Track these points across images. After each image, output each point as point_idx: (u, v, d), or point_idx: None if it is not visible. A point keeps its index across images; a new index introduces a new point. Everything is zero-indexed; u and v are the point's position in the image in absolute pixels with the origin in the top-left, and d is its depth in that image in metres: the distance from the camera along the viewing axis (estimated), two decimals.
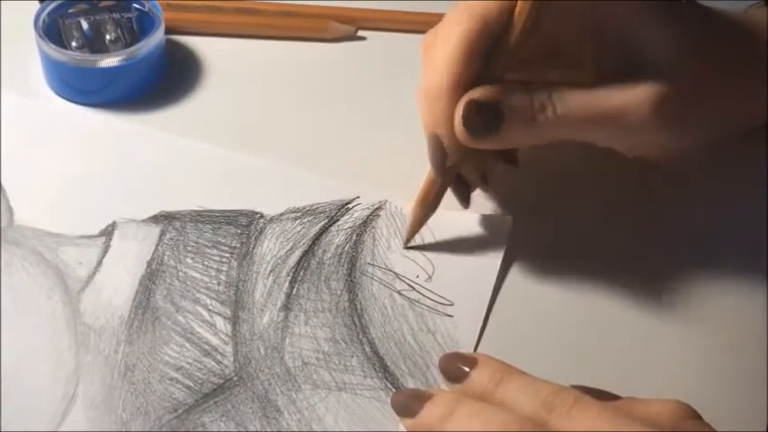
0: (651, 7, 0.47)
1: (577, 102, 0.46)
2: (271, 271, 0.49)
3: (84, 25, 0.57)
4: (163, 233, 0.49)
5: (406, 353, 0.46)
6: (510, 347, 0.46)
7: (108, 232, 0.49)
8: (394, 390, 0.44)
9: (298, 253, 0.49)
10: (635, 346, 0.48)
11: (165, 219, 0.50)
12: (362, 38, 0.63)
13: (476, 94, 0.46)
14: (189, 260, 0.49)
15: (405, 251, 0.50)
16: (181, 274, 0.48)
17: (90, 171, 0.52)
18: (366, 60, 0.62)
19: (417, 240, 0.50)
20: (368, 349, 0.46)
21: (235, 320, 0.46)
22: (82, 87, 0.56)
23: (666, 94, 0.46)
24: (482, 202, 0.52)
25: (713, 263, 0.51)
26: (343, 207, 0.52)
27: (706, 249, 0.52)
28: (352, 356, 0.46)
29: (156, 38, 0.56)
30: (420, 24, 0.63)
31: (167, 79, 0.58)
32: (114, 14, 0.58)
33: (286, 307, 0.47)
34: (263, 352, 0.45)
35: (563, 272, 0.50)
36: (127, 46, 0.57)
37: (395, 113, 0.57)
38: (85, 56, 0.56)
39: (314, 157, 0.54)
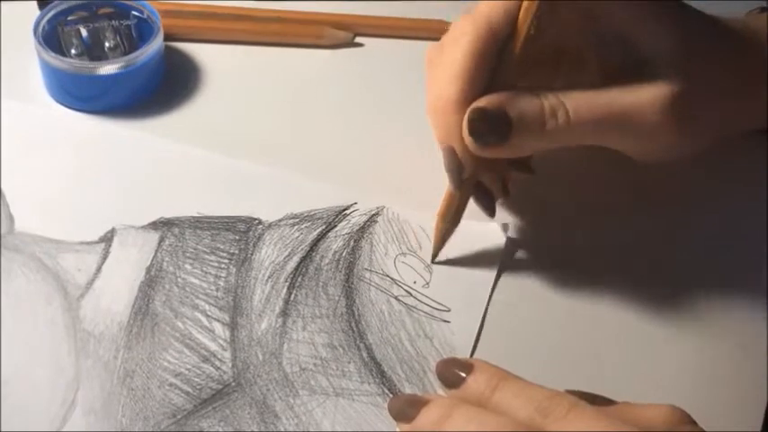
0: (654, 7, 0.48)
1: (588, 103, 0.46)
2: (269, 277, 0.49)
3: (84, 32, 0.57)
4: (162, 239, 0.50)
5: (403, 358, 0.46)
6: (506, 353, 0.46)
7: (107, 239, 0.50)
8: (391, 395, 0.45)
9: (296, 259, 0.49)
10: (631, 351, 0.48)
11: (163, 225, 0.50)
12: (360, 44, 0.63)
13: (482, 102, 0.46)
14: (188, 266, 0.49)
15: (401, 257, 0.50)
16: (180, 280, 0.48)
17: (89, 178, 0.53)
18: (363, 67, 0.62)
19: (416, 246, 0.51)
20: (365, 355, 0.46)
21: (233, 326, 0.47)
22: (81, 94, 0.56)
23: (678, 95, 0.46)
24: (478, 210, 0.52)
25: (713, 263, 0.51)
26: (341, 213, 0.52)
27: (706, 250, 0.52)
28: (349, 362, 0.46)
29: (155, 45, 0.57)
30: (417, 31, 0.63)
31: (166, 86, 0.58)
32: (113, 22, 0.58)
33: (284, 313, 0.47)
34: (261, 358, 0.46)
35: (559, 278, 0.50)
36: (126, 53, 0.57)
37: (392, 120, 0.57)
38: (84, 63, 0.56)
39: (312, 163, 0.55)
